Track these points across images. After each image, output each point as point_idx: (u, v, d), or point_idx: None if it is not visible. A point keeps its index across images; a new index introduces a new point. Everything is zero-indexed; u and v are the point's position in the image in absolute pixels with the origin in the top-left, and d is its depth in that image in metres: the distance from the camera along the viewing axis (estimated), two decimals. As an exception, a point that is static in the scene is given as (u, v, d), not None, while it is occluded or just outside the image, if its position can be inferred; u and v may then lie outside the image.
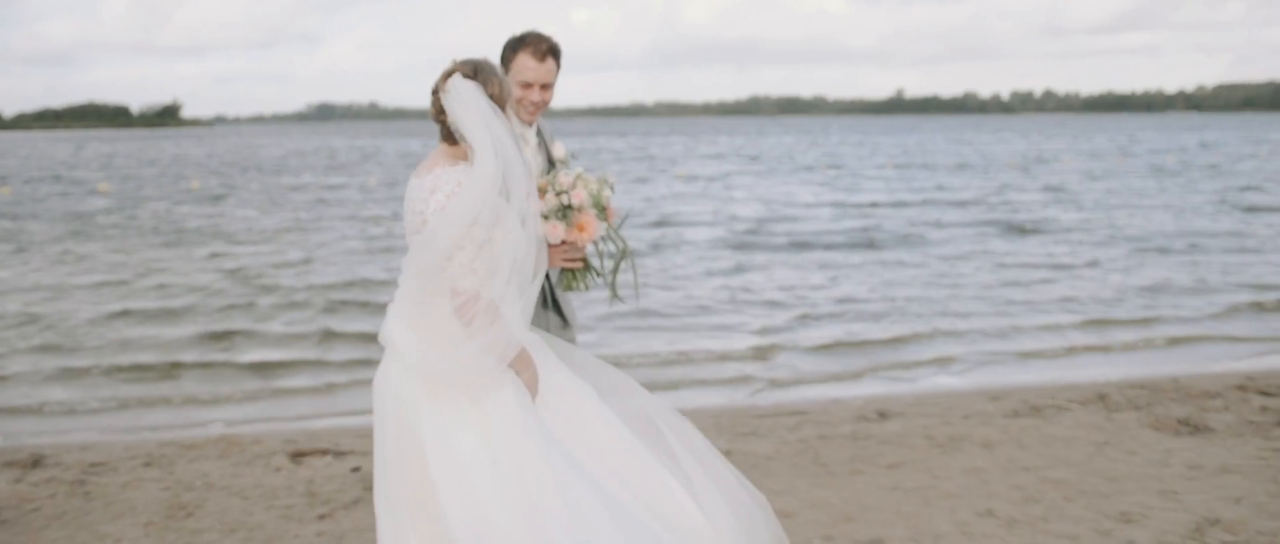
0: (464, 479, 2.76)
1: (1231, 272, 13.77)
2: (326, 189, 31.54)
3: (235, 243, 17.73)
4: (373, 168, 44.80)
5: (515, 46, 3.39)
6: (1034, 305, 11.60)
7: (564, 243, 3.22)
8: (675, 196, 27.39)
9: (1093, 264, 14.52)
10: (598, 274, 3.38)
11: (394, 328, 2.90)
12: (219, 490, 5.49)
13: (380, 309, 11.45)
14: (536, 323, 3.31)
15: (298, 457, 6.15)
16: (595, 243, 3.28)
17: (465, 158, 2.92)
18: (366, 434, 6.76)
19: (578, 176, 3.20)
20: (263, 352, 9.76)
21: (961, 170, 37.86)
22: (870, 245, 16.65)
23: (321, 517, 5.07)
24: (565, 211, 3.17)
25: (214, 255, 16.03)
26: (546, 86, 3.41)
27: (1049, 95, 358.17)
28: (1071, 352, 9.58)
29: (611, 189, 3.26)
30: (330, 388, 8.66)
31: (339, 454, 6.18)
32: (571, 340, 3.53)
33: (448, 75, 2.92)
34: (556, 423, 2.92)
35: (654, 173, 39.01)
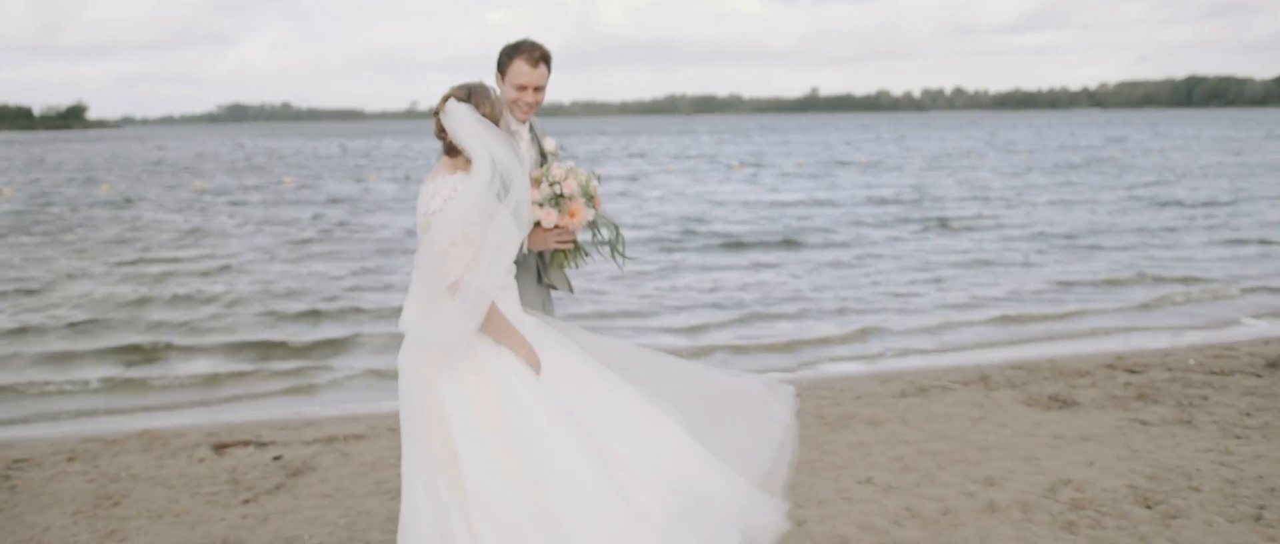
0: (480, 443, 3.19)
1: (1132, 263, 14.59)
2: (246, 191, 31.20)
3: (150, 247, 17.61)
4: (287, 170, 44.29)
5: (512, 53, 3.72)
6: (941, 298, 12.21)
7: (557, 227, 3.62)
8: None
9: (1006, 258, 15.24)
10: (585, 254, 3.81)
11: (405, 316, 3.31)
12: (144, 481, 5.70)
13: (298, 314, 11.62)
14: (531, 298, 3.71)
15: (220, 448, 6.36)
16: (589, 226, 3.72)
17: (465, 167, 3.32)
18: (287, 426, 7.04)
19: (568, 170, 3.63)
20: (182, 353, 9.88)
21: (878, 168, 38.83)
22: (792, 243, 17.12)
23: (246, 501, 5.32)
24: (558, 200, 3.58)
25: (127, 261, 15.93)
26: (539, 89, 3.76)
27: (959, 93, 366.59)
28: (974, 342, 10.15)
29: (598, 180, 3.70)
30: (251, 384, 8.85)
31: (261, 445, 6.41)
32: (552, 312, 3.90)
33: (445, 99, 3.33)
34: (562, 391, 3.32)
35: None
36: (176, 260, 15.74)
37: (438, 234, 3.18)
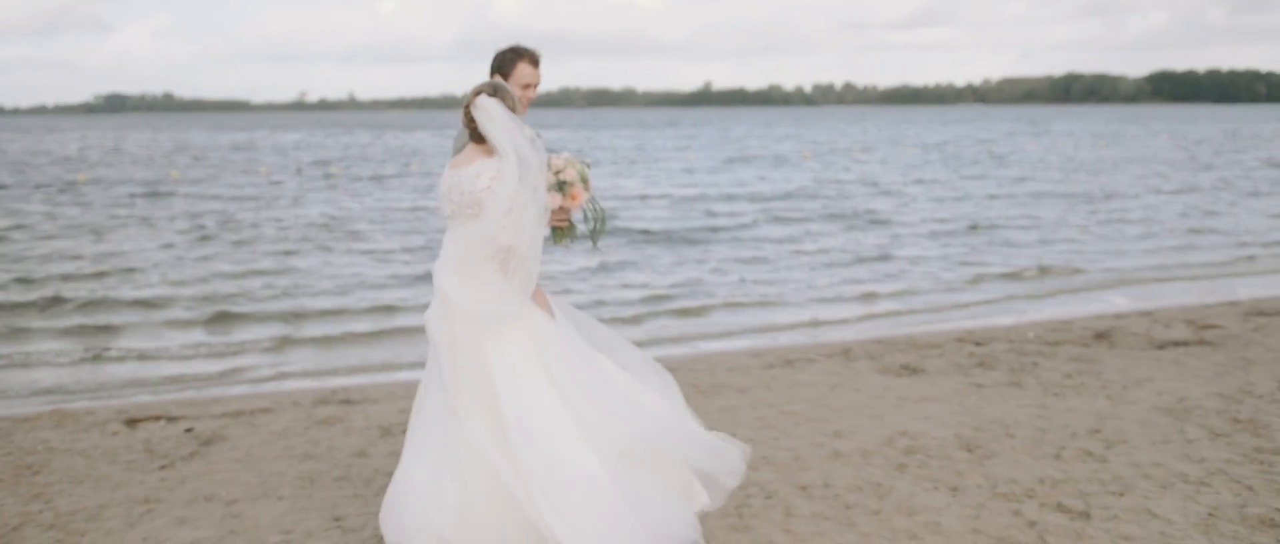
0: (517, 380, 3.82)
1: (1006, 252, 15.69)
2: (139, 185, 30.64)
3: (29, 243, 17.42)
4: (176, 161, 43.40)
5: (516, 57, 4.28)
6: (830, 285, 13.07)
7: (559, 208, 4.21)
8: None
9: (895, 249, 16.20)
10: (577, 233, 4.41)
11: (446, 280, 3.91)
12: (61, 453, 6.03)
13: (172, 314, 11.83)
14: None
15: (132, 423, 6.71)
16: (581, 208, 4.32)
17: (490, 153, 3.91)
18: (195, 403, 7.40)
19: (567, 160, 4.20)
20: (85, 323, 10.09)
21: (779, 163, 39.95)
22: (696, 238, 17.65)
23: (162, 467, 5.72)
24: (562, 186, 4.16)
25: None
26: (537, 86, 4.35)
27: (849, 88, 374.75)
28: (843, 321, 10.97)
29: (589, 169, 4.30)
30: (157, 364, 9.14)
31: (171, 419, 6.78)
32: None
33: (476, 94, 3.91)
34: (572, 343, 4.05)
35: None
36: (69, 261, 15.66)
37: (490, 210, 3.80)
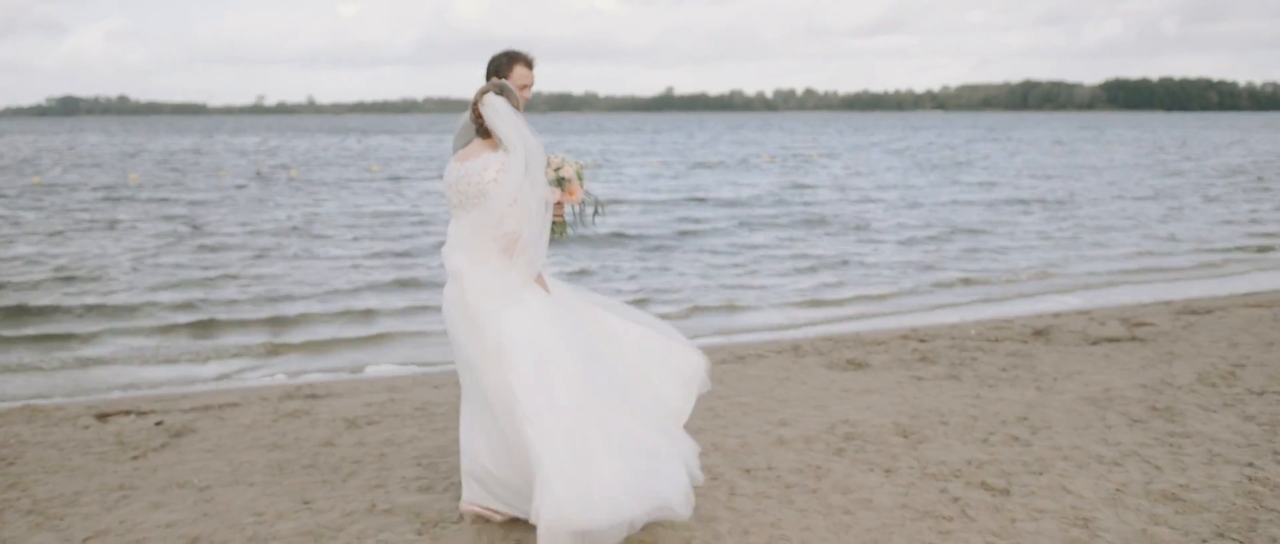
0: (524, 344, 4.22)
1: (959, 258, 16.15)
2: (98, 189, 30.47)
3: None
4: (135, 164, 43.08)
5: (512, 60, 4.64)
6: (794, 288, 13.44)
7: (557, 203, 4.56)
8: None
9: (856, 252, 16.61)
10: (571, 227, 4.77)
11: (456, 261, 4.31)
12: (34, 445, 6.22)
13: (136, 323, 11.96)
14: None
15: (103, 417, 6.90)
16: (574, 205, 4.71)
17: (495, 147, 4.29)
18: (164, 398, 7.60)
19: (564, 159, 4.57)
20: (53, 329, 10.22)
21: (746, 169, 40.39)
22: (666, 243, 17.85)
23: (134, 458, 5.93)
24: (560, 182, 4.52)
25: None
26: (531, 87, 4.68)
27: (810, 94, 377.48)
28: (800, 323, 11.33)
29: (585, 168, 4.69)
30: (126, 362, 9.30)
31: (141, 413, 6.98)
32: None
33: (484, 93, 4.31)
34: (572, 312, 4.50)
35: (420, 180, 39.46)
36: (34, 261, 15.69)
37: (495, 199, 4.19)
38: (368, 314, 11.50)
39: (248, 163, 45.12)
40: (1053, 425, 6.04)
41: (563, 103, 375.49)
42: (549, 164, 4.51)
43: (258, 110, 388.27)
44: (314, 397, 7.41)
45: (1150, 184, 30.79)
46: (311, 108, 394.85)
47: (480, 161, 4.27)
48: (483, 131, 4.33)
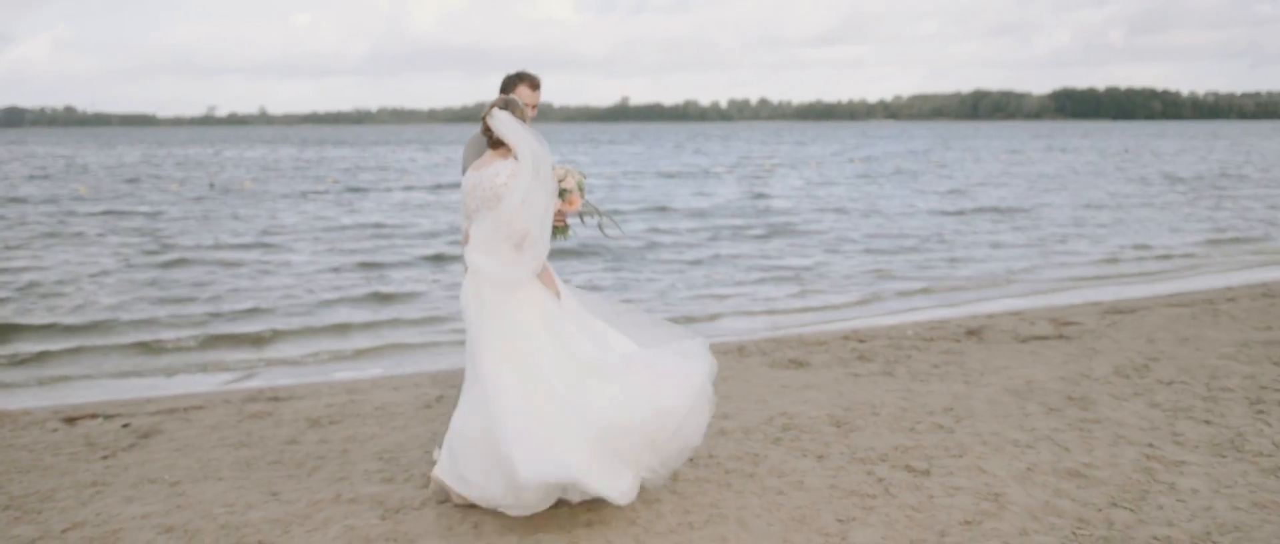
0: (531, 332, 4.75)
1: (921, 266, 16.65)
2: (43, 203, 30.24)
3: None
4: (85, 177, 42.68)
5: (517, 80, 5.25)
6: (751, 297, 13.82)
7: (558, 211, 5.03)
8: (408, 208, 28.37)
9: (812, 259, 17.05)
10: (570, 231, 5.21)
11: (477, 258, 4.80)
12: (4, 448, 6.43)
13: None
14: None
15: (70, 421, 7.13)
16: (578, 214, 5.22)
17: (506, 155, 4.83)
18: (129, 403, 7.82)
19: (567, 171, 5.03)
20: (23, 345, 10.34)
21: (707, 178, 40.86)
22: (628, 253, 18.15)
23: (104, 457, 6.18)
24: (561, 193, 4.99)
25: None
26: (536, 105, 5.27)
27: (764, 104, 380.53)
28: (748, 329, 11.75)
29: (585, 179, 5.14)
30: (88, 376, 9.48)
31: (108, 417, 7.21)
32: None
33: (492, 107, 4.85)
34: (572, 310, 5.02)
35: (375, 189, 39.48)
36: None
37: (508, 201, 4.70)
38: (342, 328, 11.49)
39: (202, 174, 44.87)
40: (975, 414, 6.47)
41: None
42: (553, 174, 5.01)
43: (208, 121, 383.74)
44: (276, 399, 7.68)
45: (1107, 190, 31.67)
46: (263, 118, 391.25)
47: (493, 169, 4.79)
48: (493, 142, 4.88)
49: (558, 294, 4.98)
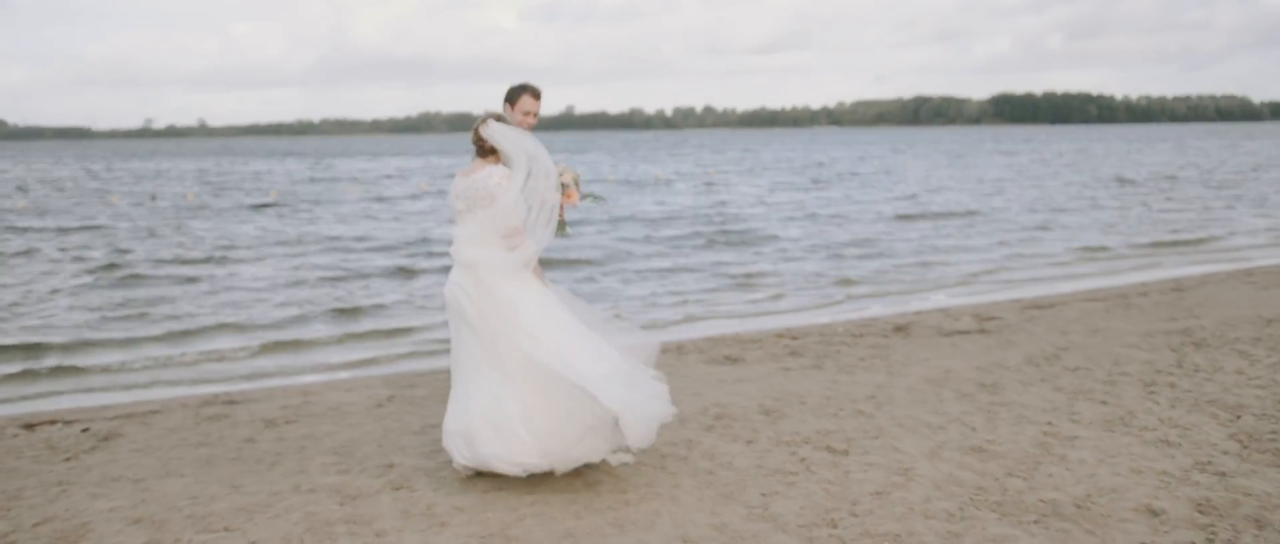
0: (528, 307, 5.27)
1: (871, 271, 17.21)
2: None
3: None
4: (19, 193, 42.09)
5: (520, 91, 5.76)
6: (708, 300, 14.26)
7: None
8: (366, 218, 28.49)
9: (759, 265, 17.51)
10: (569, 229, 5.72)
11: (469, 253, 5.30)
12: (-33, 452, 6.67)
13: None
14: None
15: (30, 427, 7.35)
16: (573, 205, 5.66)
17: (496, 161, 5.36)
18: (87, 409, 8.05)
19: (563, 168, 5.53)
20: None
21: (659, 187, 41.30)
22: (587, 258, 18.25)
23: (67, 459, 6.43)
24: (561, 187, 5.48)
25: None
26: (537, 114, 5.78)
27: (709, 111, 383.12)
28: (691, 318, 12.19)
29: (580, 175, 5.69)
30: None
31: (67, 423, 7.44)
32: None
33: (484, 121, 5.36)
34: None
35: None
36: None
37: (502, 200, 5.23)
38: (310, 344, 11.36)
39: (142, 188, 44.44)
40: (894, 401, 6.97)
41: (462, 122, 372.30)
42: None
43: (146, 134, 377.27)
44: (232, 402, 7.96)
45: (1050, 192, 32.65)
46: (203, 130, 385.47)
47: (485, 172, 5.30)
48: (483, 151, 5.38)
49: (545, 283, 5.53)
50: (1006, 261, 17.29)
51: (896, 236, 21.05)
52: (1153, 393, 6.98)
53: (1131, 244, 19.40)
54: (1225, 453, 5.57)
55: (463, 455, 5.37)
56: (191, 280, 15.93)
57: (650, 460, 5.78)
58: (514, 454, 5.18)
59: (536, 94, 5.82)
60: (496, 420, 5.20)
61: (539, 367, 5.16)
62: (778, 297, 14.03)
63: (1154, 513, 4.69)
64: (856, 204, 29.51)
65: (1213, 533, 4.44)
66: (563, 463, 5.24)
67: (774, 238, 21.25)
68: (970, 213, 26.10)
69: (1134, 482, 5.12)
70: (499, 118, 5.40)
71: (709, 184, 41.36)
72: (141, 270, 17.13)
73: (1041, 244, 19.48)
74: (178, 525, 5.03)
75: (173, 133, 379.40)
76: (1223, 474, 5.20)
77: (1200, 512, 4.69)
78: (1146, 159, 59.71)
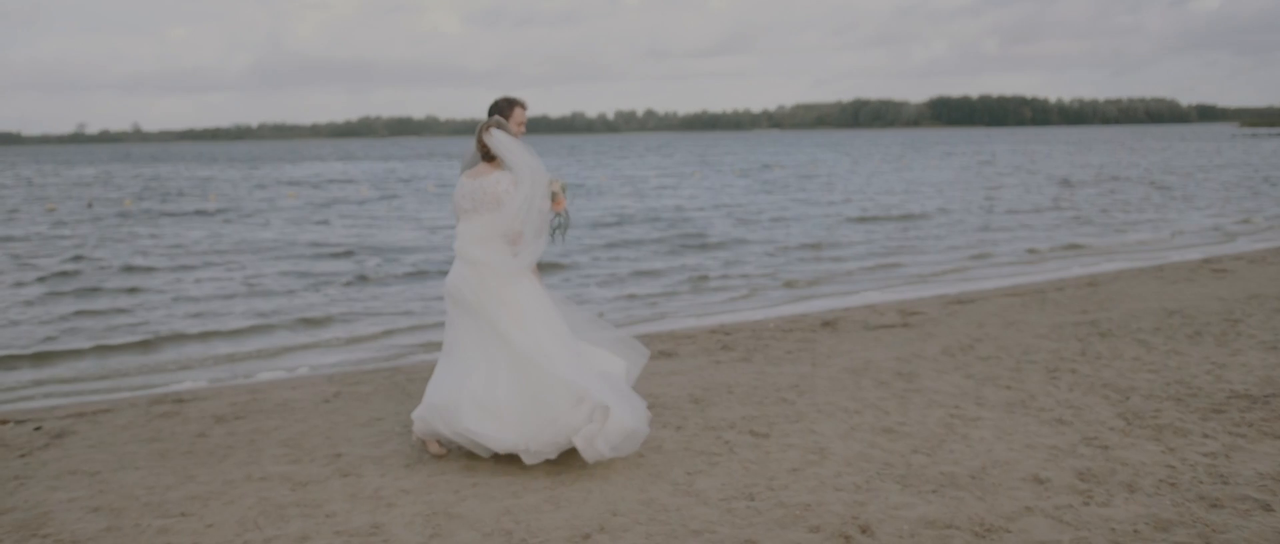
0: (528, 308, 5.74)
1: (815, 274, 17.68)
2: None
3: None
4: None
5: (511, 105, 6.20)
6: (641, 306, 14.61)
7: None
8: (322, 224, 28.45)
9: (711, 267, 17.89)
10: (559, 231, 6.10)
11: (474, 251, 5.75)
12: (-78, 451, 6.84)
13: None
14: None
15: (-19, 427, 7.53)
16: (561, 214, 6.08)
17: (499, 167, 5.79)
18: (39, 410, 8.22)
19: (551, 178, 5.91)
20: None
21: (599, 193, 41.54)
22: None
23: (22, 455, 6.64)
24: (552, 196, 5.89)
25: None
26: (525, 124, 6.20)
27: (651, 114, 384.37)
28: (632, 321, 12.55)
29: (566, 185, 6.08)
30: None
31: (19, 422, 7.63)
32: None
33: (487, 127, 5.78)
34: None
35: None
36: None
37: (507, 206, 5.68)
38: (261, 349, 11.42)
39: (78, 195, 43.81)
40: (816, 389, 7.42)
41: (402, 126, 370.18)
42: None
43: (79, 139, 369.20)
44: (181, 401, 8.19)
45: (986, 193, 33.54)
46: (138, 135, 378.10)
47: (493, 178, 5.73)
48: (487, 157, 5.79)
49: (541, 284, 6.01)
50: (958, 263, 17.88)
51: (844, 238, 21.61)
52: (1055, 378, 7.51)
53: (1064, 244, 20.18)
54: (1111, 429, 6.09)
55: (438, 429, 5.81)
56: (134, 291, 15.93)
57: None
58: (496, 435, 5.61)
59: (525, 106, 6.29)
60: (485, 403, 5.64)
61: (529, 361, 5.59)
62: (724, 296, 14.48)
63: (1040, 481, 5.17)
64: (808, 206, 30.10)
65: (1089, 496, 4.93)
66: (538, 449, 5.60)
67: (726, 241, 21.69)
68: (921, 215, 26.73)
69: (1026, 455, 5.61)
70: (501, 125, 5.82)
71: (661, 187, 41.81)
72: (88, 280, 17.13)
73: (989, 245, 20.09)
74: (136, 512, 5.30)
75: (107, 138, 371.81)
76: (1106, 447, 5.71)
77: (1081, 479, 5.18)
78: (1089, 160, 61.40)
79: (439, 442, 6.03)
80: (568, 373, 5.57)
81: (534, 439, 5.58)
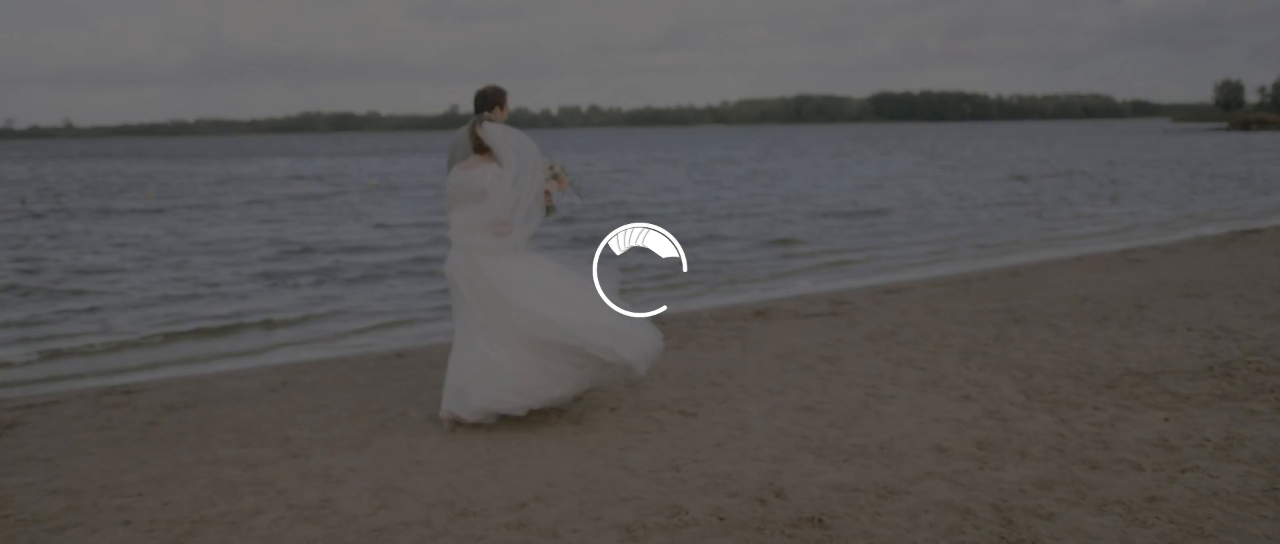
0: (514, 286, 6.19)
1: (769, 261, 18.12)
2: None
3: None
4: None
5: (502, 95, 6.61)
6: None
7: (547, 193, 6.41)
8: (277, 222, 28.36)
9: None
10: (556, 210, 6.56)
11: (465, 237, 6.21)
12: (-126, 442, 6.99)
13: None
14: None
15: (-68, 419, 7.68)
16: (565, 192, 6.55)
17: (489, 159, 6.21)
18: (-13, 402, 8.35)
19: (550, 161, 6.36)
20: None
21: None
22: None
23: (-24, 445, 6.84)
24: (554, 176, 6.40)
25: None
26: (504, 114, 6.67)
27: (595, 110, 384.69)
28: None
29: (562, 166, 6.51)
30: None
31: (-31, 414, 7.79)
32: None
33: (480, 121, 6.26)
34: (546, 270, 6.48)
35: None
36: None
37: (494, 194, 6.11)
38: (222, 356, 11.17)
39: (8, 191, 43.09)
40: (744, 372, 7.84)
41: (344, 122, 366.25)
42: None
43: (7, 135, 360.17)
44: (129, 392, 8.39)
45: (938, 189, 34.32)
46: (69, 131, 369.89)
47: (482, 171, 6.17)
48: (479, 148, 6.24)
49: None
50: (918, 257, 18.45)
51: (801, 232, 22.14)
52: (967, 360, 8.02)
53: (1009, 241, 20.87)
54: (1012, 403, 6.59)
55: (459, 408, 6.34)
56: (78, 293, 15.91)
57: (521, 425, 6.50)
58: (512, 402, 6.22)
59: (506, 93, 6.70)
60: (485, 375, 6.16)
61: (521, 331, 6.12)
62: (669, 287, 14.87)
63: (941, 450, 5.64)
64: (764, 201, 30.60)
65: (984, 462, 5.40)
66: (560, 396, 6.41)
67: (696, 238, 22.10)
68: (878, 211, 27.21)
69: (932, 428, 6.08)
70: (491, 119, 6.29)
71: (613, 182, 42.13)
72: (25, 279, 17.08)
73: (930, 243, 20.67)
74: (93, 493, 5.56)
75: (36, 134, 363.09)
76: (1005, 420, 6.21)
77: (979, 448, 5.66)
78: (1034, 155, 62.82)
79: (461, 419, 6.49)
80: (565, 337, 6.10)
81: (546, 399, 6.29)
